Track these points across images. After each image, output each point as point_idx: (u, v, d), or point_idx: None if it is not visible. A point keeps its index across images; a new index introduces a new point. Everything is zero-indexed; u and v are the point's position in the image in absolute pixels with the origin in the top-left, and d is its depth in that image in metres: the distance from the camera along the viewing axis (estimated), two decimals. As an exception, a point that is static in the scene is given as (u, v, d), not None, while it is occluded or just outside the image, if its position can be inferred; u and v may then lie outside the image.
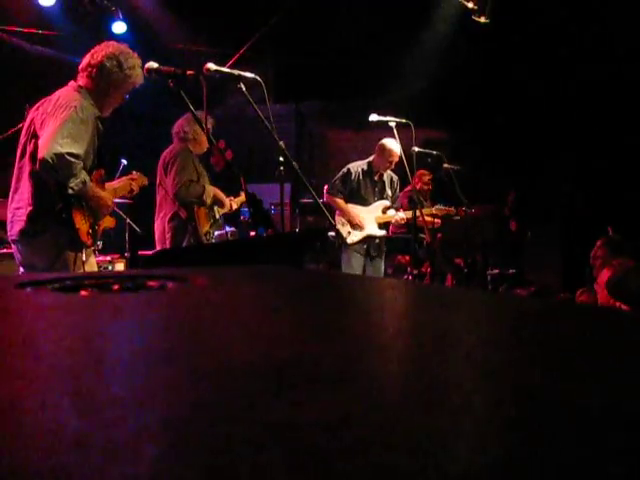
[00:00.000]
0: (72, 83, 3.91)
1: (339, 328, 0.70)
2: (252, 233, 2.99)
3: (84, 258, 3.74)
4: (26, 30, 8.09)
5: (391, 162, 6.62)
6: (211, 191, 5.18)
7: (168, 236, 5.15)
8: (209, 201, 5.14)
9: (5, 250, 5.50)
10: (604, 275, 5.67)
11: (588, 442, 0.37)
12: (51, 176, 3.58)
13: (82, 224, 3.70)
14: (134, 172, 4.48)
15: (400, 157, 6.22)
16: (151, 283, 0.97)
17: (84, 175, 3.62)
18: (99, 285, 0.96)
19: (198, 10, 8.60)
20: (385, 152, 6.59)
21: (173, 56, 7.83)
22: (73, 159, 3.53)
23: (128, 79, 3.92)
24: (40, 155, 3.51)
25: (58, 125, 3.57)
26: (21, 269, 3.87)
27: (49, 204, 3.64)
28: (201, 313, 0.78)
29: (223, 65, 3.74)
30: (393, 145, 6.49)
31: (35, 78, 8.22)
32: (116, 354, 0.57)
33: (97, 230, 3.90)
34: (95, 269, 4.07)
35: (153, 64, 3.28)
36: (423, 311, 0.94)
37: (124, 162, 6.62)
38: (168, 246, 5.14)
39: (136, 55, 4.01)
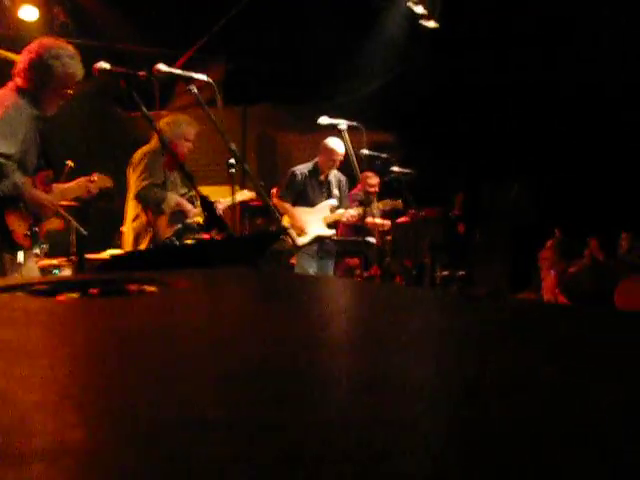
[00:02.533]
0: (10, 84, 3.85)
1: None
2: (205, 236, 2.96)
3: (21, 260, 3.65)
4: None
5: (334, 161, 6.67)
6: (172, 200, 5.06)
7: (130, 238, 5.09)
8: (168, 210, 5.03)
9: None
10: (552, 276, 5.79)
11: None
12: None
13: (18, 226, 3.62)
14: (95, 173, 4.37)
15: (348, 158, 6.24)
16: (131, 287, 0.95)
17: (17, 176, 3.55)
18: (75, 289, 0.94)
19: (145, 9, 8.50)
20: (328, 151, 6.65)
21: (120, 57, 7.74)
22: (2, 159, 3.46)
23: (60, 72, 3.81)
24: None
25: None
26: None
27: None
28: (198, 316, 0.77)
29: (172, 67, 3.70)
30: (336, 144, 6.54)
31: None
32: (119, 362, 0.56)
33: (38, 232, 3.82)
34: (35, 272, 3.98)
35: (104, 64, 3.23)
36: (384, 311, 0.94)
37: (69, 163, 6.49)
38: (130, 247, 5.09)
39: (69, 47, 3.91)
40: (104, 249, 6.65)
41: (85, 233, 6.30)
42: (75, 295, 0.93)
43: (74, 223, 6.28)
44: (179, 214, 5.13)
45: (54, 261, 6.09)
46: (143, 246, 5.04)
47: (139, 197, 4.99)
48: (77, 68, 3.87)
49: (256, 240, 2.81)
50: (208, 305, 0.89)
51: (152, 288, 0.94)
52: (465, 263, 8.53)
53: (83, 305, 0.87)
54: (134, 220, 5.11)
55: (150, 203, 4.99)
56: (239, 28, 8.81)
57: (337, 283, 1.72)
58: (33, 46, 3.85)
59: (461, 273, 8.08)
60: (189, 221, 5.16)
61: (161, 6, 8.57)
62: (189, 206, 5.15)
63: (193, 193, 5.34)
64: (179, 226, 5.12)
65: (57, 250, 6.48)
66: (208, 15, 8.75)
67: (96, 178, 4.32)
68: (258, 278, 1.36)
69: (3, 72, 7.74)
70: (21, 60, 3.84)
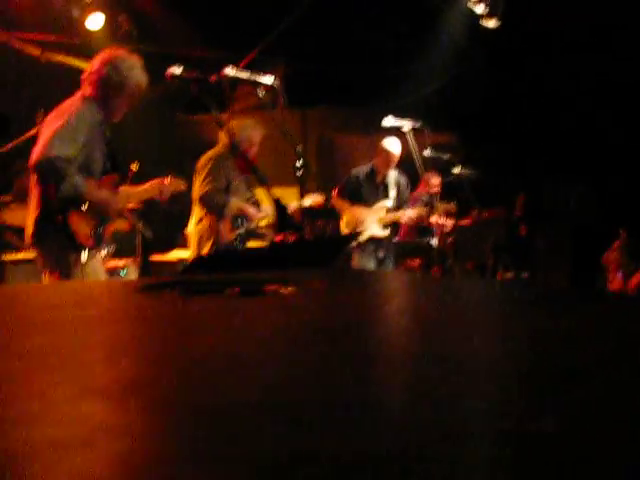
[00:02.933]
0: (78, 93, 3.96)
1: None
2: (278, 238, 2.99)
3: (84, 259, 3.73)
4: (39, 36, 8.13)
5: (389, 162, 6.69)
6: (235, 205, 5.12)
7: (194, 240, 5.19)
8: (230, 215, 5.10)
9: (20, 256, 5.51)
10: (619, 278, 5.67)
11: None
12: (43, 180, 3.66)
13: (81, 226, 3.71)
14: (169, 177, 4.43)
15: (411, 159, 6.23)
16: (269, 287, 0.96)
17: (77, 178, 3.65)
18: (217, 289, 0.96)
19: (204, 14, 8.61)
20: (384, 153, 6.69)
21: (181, 61, 7.83)
22: (61, 162, 3.57)
23: (127, 82, 3.92)
24: (31, 161, 3.59)
25: (51, 131, 3.65)
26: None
27: (51, 209, 3.68)
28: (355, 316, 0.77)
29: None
30: (392, 146, 6.59)
31: (48, 85, 8.28)
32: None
33: (102, 233, 3.90)
34: (100, 272, 4.06)
35: (176, 69, 3.29)
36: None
37: (133, 166, 6.61)
38: (194, 249, 5.18)
39: (137, 58, 4.02)
40: (169, 250, 6.75)
41: (150, 235, 6.41)
42: (233, 292, 0.95)
43: (139, 225, 6.39)
44: (242, 218, 5.19)
45: (120, 262, 6.20)
46: (206, 249, 5.11)
47: (202, 201, 5.09)
48: (144, 78, 3.99)
49: (331, 242, 2.82)
50: (354, 305, 0.89)
51: (289, 289, 0.95)
52: (528, 265, 8.42)
53: (241, 304, 0.88)
54: (198, 223, 5.19)
55: (213, 207, 5.07)
56: (297, 31, 8.85)
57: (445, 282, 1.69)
58: (105, 56, 3.95)
59: (525, 275, 7.98)
60: (252, 225, 5.21)
61: (220, 10, 8.67)
62: (252, 210, 5.20)
63: (257, 197, 5.40)
64: (241, 230, 5.18)
65: (123, 251, 6.60)
66: (266, 18, 8.81)
67: (169, 181, 4.38)
68: (373, 277, 1.36)
69: (72, 80, 7.98)
70: (92, 68, 3.95)
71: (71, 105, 3.84)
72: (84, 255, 3.75)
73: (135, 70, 3.93)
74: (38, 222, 3.73)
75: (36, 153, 3.59)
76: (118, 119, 4.03)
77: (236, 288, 0.95)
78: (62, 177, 3.59)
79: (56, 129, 3.64)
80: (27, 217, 3.83)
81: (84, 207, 3.72)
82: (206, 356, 0.56)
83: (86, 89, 3.94)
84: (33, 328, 0.69)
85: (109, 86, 3.89)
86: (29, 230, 3.85)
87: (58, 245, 3.70)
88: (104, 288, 1.18)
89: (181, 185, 4.65)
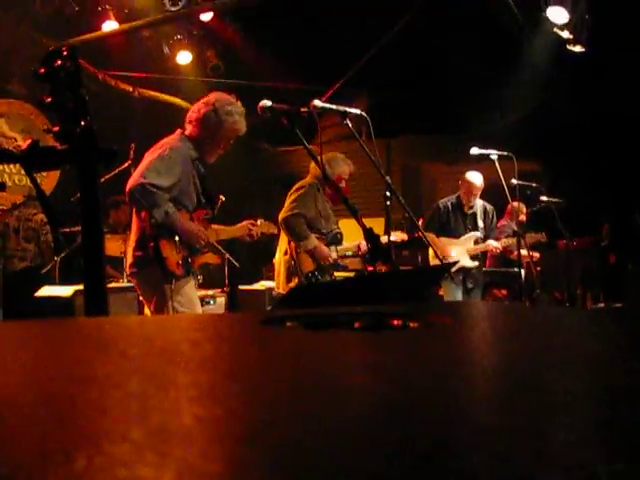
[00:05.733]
0: (178, 130, 4.11)
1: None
2: (370, 268, 3.00)
3: (172, 287, 3.81)
4: (134, 74, 8.45)
5: (470, 194, 6.69)
6: (312, 243, 5.09)
7: (282, 270, 5.22)
8: (303, 251, 5.09)
9: (116, 284, 5.70)
10: None
11: None
12: (136, 207, 3.82)
13: (171, 254, 3.82)
14: (260, 219, 4.52)
15: (499, 188, 6.18)
16: (393, 322, 0.97)
17: (168, 207, 3.77)
18: (341, 322, 0.97)
19: (288, 48, 8.77)
20: (466, 184, 6.72)
21: (262, 94, 7.97)
22: (155, 189, 3.70)
23: (229, 127, 4.04)
24: (127, 188, 3.74)
25: (147, 162, 3.81)
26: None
27: (145, 237, 3.81)
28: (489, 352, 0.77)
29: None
30: (472, 177, 6.63)
31: (139, 120, 8.59)
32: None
33: (191, 262, 3.99)
34: (196, 301, 4.13)
35: (267, 102, 3.35)
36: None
37: (220, 198, 6.77)
38: (281, 280, 5.21)
39: (237, 103, 4.13)
40: (256, 281, 6.86)
41: (237, 265, 6.53)
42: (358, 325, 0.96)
43: (227, 256, 6.52)
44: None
45: (209, 292, 6.34)
46: (295, 280, 5.14)
47: (285, 222, 5.06)
48: (243, 125, 4.11)
49: (424, 273, 2.82)
50: (496, 339, 0.90)
51: (414, 324, 0.95)
52: (618, 295, 8.17)
53: (372, 338, 0.89)
54: (285, 253, 5.22)
55: (294, 233, 5.05)
56: (381, 62, 8.91)
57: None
58: (210, 99, 4.10)
59: (617, 305, 7.74)
60: (323, 263, 5.14)
61: (303, 44, 8.81)
62: (325, 253, 5.13)
63: (340, 230, 5.41)
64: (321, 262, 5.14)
65: (211, 282, 6.74)
66: (349, 50, 8.90)
67: (260, 223, 4.47)
68: (496, 310, 1.36)
69: (166, 114, 8.25)
70: (195, 109, 4.09)
71: (167, 140, 4.00)
72: (174, 284, 3.84)
73: (235, 116, 4.06)
74: (136, 254, 3.87)
75: (131, 181, 3.75)
76: (211, 161, 4.14)
77: (359, 322, 0.96)
78: (155, 204, 3.71)
79: (152, 160, 3.80)
80: (127, 248, 3.99)
81: (176, 237, 3.83)
82: (352, 395, 0.57)
83: (187, 127, 4.08)
84: (173, 361, 0.72)
85: (207, 126, 4.02)
86: (128, 260, 4.01)
87: (154, 276, 3.82)
88: (224, 321, 1.21)
89: (271, 228, 4.72)
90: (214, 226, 4.20)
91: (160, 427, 0.45)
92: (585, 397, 0.56)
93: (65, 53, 1.73)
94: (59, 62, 1.71)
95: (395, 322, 0.96)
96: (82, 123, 1.68)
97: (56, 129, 1.68)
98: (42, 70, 1.72)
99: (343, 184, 5.27)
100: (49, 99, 1.71)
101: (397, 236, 5.90)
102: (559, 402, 0.53)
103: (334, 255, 5.24)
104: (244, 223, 4.42)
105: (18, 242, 7.59)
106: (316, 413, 0.49)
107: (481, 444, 0.42)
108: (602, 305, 7.67)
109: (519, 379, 0.62)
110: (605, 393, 0.57)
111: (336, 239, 5.33)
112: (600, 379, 0.63)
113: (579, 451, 0.40)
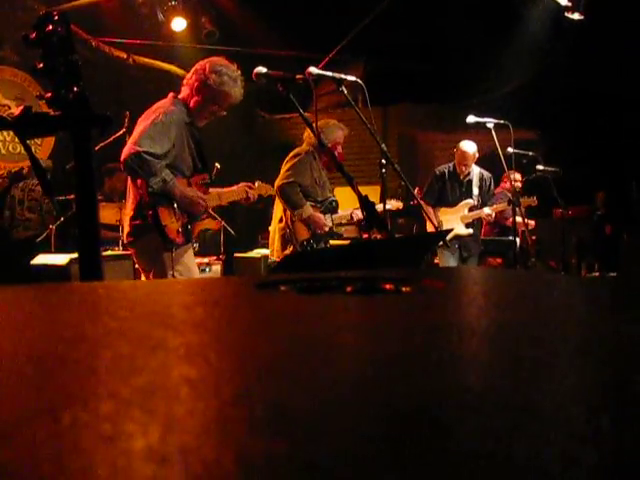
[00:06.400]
0: (171, 94, 4.05)
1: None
2: (365, 235, 3.00)
3: (173, 255, 3.81)
4: (129, 41, 8.38)
5: (463, 163, 6.73)
6: (307, 211, 5.07)
7: (276, 238, 5.23)
8: (298, 219, 5.08)
9: (112, 252, 5.69)
10: None
11: None
12: (132, 175, 3.79)
13: (170, 222, 3.80)
14: (257, 181, 4.50)
15: (494, 156, 6.17)
16: (385, 286, 0.97)
17: (165, 174, 3.73)
18: (334, 287, 0.97)
19: (284, 15, 8.68)
20: (459, 154, 6.76)
21: (262, 61, 7.91)
22: (151, 157, 3.67)
23: (215, 87, 3.97)
24: (122, 157, 3.70)
25: (141, 129, 3.75)
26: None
27: (143, 205, 3.79)
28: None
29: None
30: (466, 146, 6.67)
31: (134, 87, 8.53)
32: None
33: (191, 230, 3.98)
34: (194, 269, 4.13)
35: (262, 69, 3.32)
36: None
37: (216, 166, 6.76)
38: (276, 247, 5.22)
39: (232, 67, 4.06)
40: (251, 248, 6.86)
41: (233, 233, 6.53)
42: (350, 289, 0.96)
43: (223, 223, 6.52)
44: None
45: (205, 259, 6.34)
46: (290, 248, 5.13)
47: (281, 190, 5.04)
48: (234, 89, 4.00)
49: (419, 241, 2.82)
50: (489, 303, 0.90)
51: (407, 288, 0.95)
52: (612, 265, 8.20)
53: (364, 302, 0.89)
54: (280, 221, 5.22)
55: (289, 201, 5.03)
56: (378, 29, 8.84)
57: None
58: (204, 61, 4.04)
59: (612, 275, 7.77)
60: (319, 232, 5.14)
61: (300, 10, 8.73)
62: (320, 221, 5.12)
63: (335, 198, 5.40)
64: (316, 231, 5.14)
65: (207, 249, 6.75)
66: (346, 17, 8.82)
67: (257, 185, 4.45)
68: (490, 275, 1.36)
69: (161, 81, 8.20)
70: (194, 72, 4.03)
71: (159, 104, 3.94)
72: (174, 252, 3.83)
73: (224, 77, 3.96)
74: (133, 222, 3.85)
75: (125, 150, 3.70)
76: (201, 125, 4.08)
77: (351, 286, 0.96)
78: (151, 172, 3.68)
79: (145, 127, 3.74)
80: (123, 217, 3.96)
81: (175, 204, 3.81)
82: (342, 355, 0.57)
83: (182, 92, 4.03)
84: (164, 323, 0.72)
85: (203, 93, 3.96)
86: (125, 229, 3.98)
87: (152, 244, 3.80)
88: (218, 285, 1.21)
89: (269, 190, 4.71)
90: (212, 190, 4.18)
91: (147, 385, 0.45)
92: (571, 356, 0.56)
93: (56, 18, 1.71)
94: (50, 27, 1.69)
95: (387, 286, 0.96)
96: (75, 89, 1.67)
97: (48, 95, 1.67)
98: (33, 35, 1.70)
99: (340, 150, 5.24)
100: (41, 65, 1.69)
101: (392, 204, 5.92)
102: (544, 361, 0.53)
103: (329, 223, 5.23)
104: (241, 185, 4.39)
105: (22, 213, 7.60)
106: (305, 372, 0.49)
107: (466, 402, 0.42)
108: (597, 275, 7.69)
109: (507, 340, 0.63)
110: (590, 353, 0.57)
111: (331, 207, 5.32)
112: (587, 340, 0.63)
113: (564, 406, 0.41)
